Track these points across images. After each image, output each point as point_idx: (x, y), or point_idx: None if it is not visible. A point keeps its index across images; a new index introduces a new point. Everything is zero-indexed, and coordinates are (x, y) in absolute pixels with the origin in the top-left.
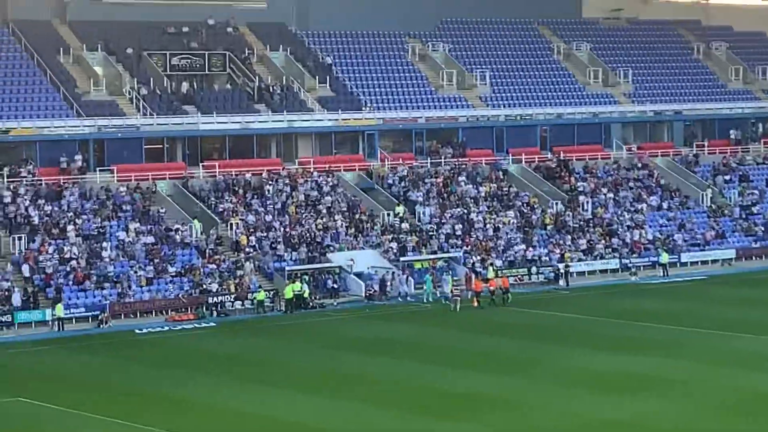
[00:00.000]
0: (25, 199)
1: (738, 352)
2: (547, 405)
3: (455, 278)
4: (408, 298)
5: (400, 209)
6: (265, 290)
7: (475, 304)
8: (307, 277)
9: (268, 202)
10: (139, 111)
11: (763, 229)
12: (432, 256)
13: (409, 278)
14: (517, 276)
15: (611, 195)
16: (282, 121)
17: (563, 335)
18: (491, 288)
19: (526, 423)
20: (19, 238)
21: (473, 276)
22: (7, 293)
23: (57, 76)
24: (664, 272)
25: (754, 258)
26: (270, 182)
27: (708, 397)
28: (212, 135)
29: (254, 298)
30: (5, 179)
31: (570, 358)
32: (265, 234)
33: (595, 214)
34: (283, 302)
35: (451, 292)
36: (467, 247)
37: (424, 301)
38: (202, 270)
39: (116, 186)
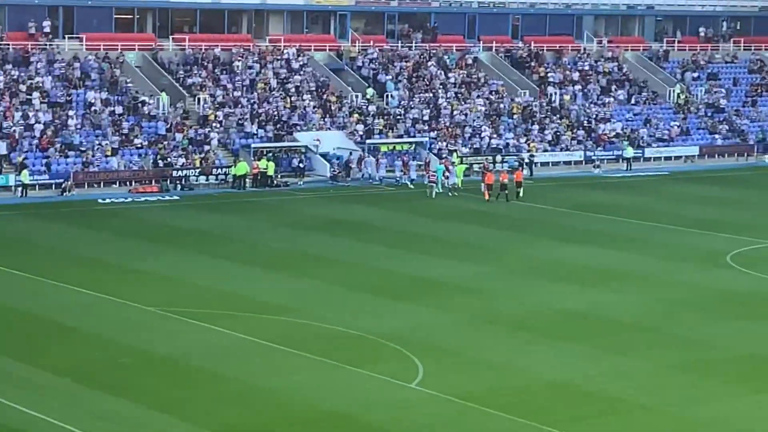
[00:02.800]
0: None
1: (696, 249)
2: (508, 292)
3: (419, 164)
4: (373, 181)
5: (370, 92)
6: (245, 161)
7: (487, 197)
8: (272, 155)
9: (236, 78)
10: None
11: (727, 127)
12: (398, 140)
13: (379, 161)
14: (483, 163)
15: (579, 87)
16: None
17: (526, 225)
18: (503, 181)
19: (486, 308)
20: None
21: (449, 163)
22: None
23: None
24: (627, 166)
25: (717, 156)
26: (239, 58)
27: (662, 292)
28: (183, 7)
29: (232, 173)
30: None
31: (532, 248)
32: (232, 110)
33: (562, 105)
34: (248, 179)
35: (428, 177)
36: (434, 132)
37: (433, 193)
38: (167, 143)
39: (84, 55)
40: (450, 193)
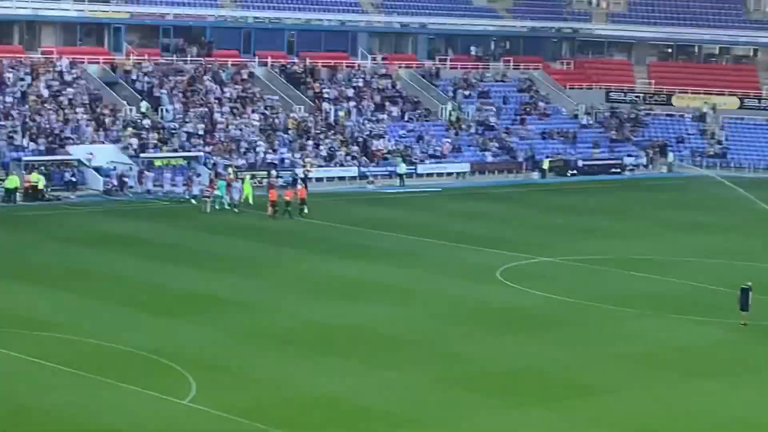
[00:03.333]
0: None
1: (466, 264)
2: (279, 307)
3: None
4: (147, 196)
5: (144, 105)
6: (16, 175)
7: (269, 212)
8: (44, 169)
9: (7, 90)
10: None
11: (497, 145)
12: (173, 155)
13: (149, 175)
14: (256, 180)
15: (354, 103)
16: (26, 8)
17: (300, 240)
18: (286, 198)
19: (257, 323)
20: None
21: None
22: None
23: None
24: (401, 182)
25: (487, 173)
26: (11, 69)
27: (431, 306)
28: None
29: (3, 186)
30: None
31: (306, 263)
32: (2, 122)
33: (337, 121)
34: (19, 193)
35: (202, 192)
36: (209, 147)
37: (216, 207)
38: None
39: None
40: (235, 209)
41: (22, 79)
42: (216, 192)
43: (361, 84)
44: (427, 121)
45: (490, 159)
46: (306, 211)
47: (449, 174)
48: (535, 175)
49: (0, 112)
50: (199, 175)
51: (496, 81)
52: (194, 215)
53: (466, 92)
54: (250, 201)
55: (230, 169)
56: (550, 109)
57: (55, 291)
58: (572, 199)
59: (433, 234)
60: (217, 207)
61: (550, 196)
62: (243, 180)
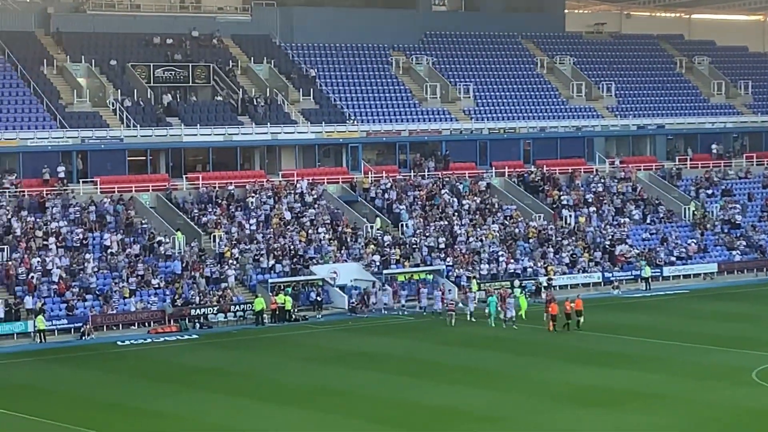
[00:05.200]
0: (8, 210)
1: (720, 366)
2: (527, 419)
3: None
4: (391, 311)
5: (378, 222)
6: (262, 297)
7: (550, 327)
8: (290, 290)
9: (251, 214)
10: (123, 122)
11: (744, 243)
12: (415, 269)
13: (395, 292)
14: (501, 289)
15: (594, 208)
16: (266, 133)
17: (545, 348)
18: (566, 311)
19: None
20: (1, 249)
21: (502, 293)
22: None
23: (40, 87)
24: (646, 286)
25: (735, 272)
26: (253, 194)
27: (690, 412)
28: (195, 147)
29: (252, 308)
30: None
31: (552, 372)
32: (248, 246)
33: (577, 227)
34: (266, 314)
35: (445, 305)
36: (450, 259)
37: (490, 324)
38: (184, 282)
39: (99, 198)
40: (515, 326)
41: (265, 203)
42: (487, 309)
43: (600, 188)
44: (670, 222)
45: (737, 258)
46: (582, 321)
47: (696, 275)
48: None
49: (245, 236)
50: (450, 290)
51: (740, 178)
52: (439, 329)
53: (709, 191)
54: (523, 316)
55: (474, 281)
56: None
57: (305, 411)
58: None
59: (684, 337)
60: (493, 324)
61: None
62: (513, 293)
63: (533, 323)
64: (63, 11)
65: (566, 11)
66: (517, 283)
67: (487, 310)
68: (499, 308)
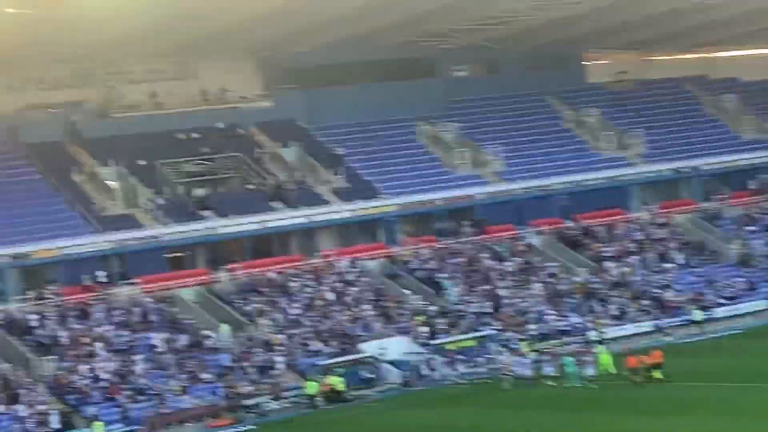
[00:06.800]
0: (53, 320)
1: None
2: None
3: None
4: (444, 381)
5: (424, 292)
6: (313, 380)
7: (632, 380)
8: (341, 370)
9: (294, 299)
10: (157, 221)
11: None
12: (465, 336)
13: (448, 361)
14: (552, 349)
15: (637, 257)
16: (300, 216)
17: (606, 402)
18: (647, 363)
19: None
20: (51, 360)
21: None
22: (44, 416)
23: (73, 194)
24: (698, 329)
25: None
26: (294, 278)
27: None
28: (232, 237)
29: (302, 392)
30: (31, 302)
31: (618, 425)
32: (294, 331)
33: (622, 277)
34: (321, 398)
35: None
36: (498, 323)
37: (570, 386)
38: (235, 374)
39: (141, 298)
40: (594, 385)
41: (307, 286)
42: (566, 369)
43: (640, 236)
44: (714, 263)
45: None
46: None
47: (748, 314)
48: None
49: (290, 321)
50: (501, 354)
51: None
52: (495, 394)
53: (751, 227)
54: (611, 370)
55: (524, 344)
56: None
57: None
58: None
59: (748, 377)
60: (578, 384)
61: None
62: (591, 350)
63: (605, 379)
64: (88, 118)
65: (587, 63)
66: (594, 335)
67: (566, 371)
68: (577, 367)
